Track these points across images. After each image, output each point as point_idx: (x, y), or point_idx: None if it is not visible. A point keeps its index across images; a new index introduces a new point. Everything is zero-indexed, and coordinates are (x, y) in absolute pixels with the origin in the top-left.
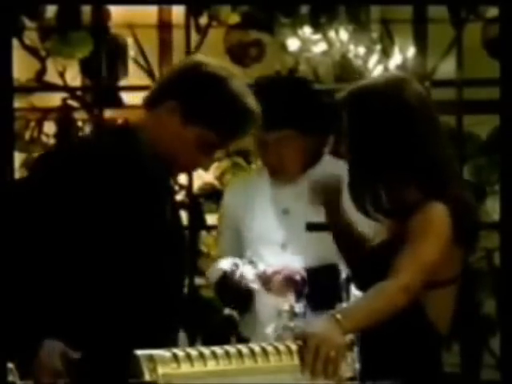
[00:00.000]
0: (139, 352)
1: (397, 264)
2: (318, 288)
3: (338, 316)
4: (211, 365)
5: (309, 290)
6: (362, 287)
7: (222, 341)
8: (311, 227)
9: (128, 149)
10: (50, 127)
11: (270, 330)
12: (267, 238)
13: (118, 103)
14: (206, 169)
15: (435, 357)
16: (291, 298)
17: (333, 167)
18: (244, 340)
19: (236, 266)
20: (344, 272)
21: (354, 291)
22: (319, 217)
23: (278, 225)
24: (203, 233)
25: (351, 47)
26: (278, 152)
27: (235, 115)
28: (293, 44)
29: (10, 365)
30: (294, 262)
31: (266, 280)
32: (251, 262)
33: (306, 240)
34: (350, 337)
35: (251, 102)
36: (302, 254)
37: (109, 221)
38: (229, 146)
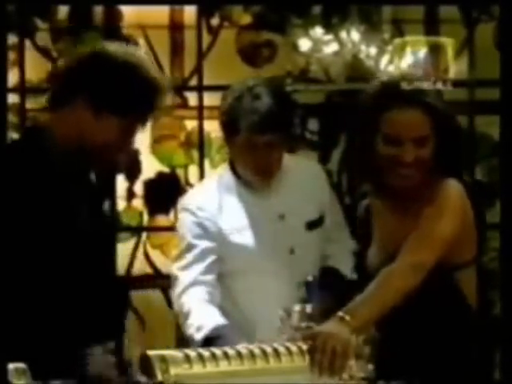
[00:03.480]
0: (151, 352)
1: (408, 242)
2: (326, 290)
3: (345, 316)
4: (223, 365)
5: (318, 292)
6: None
7: None
8: (311, 226)
9: (33, 149)
10: None
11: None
12: (272, 247)
13: None
14: (130, 151)
15: (473, 342)
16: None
17: (297, 162)
18: None
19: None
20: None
21: None
22: (314, 214)
23: (279, 231)
24: None
25: (363, 47)
26: (268, 155)
27: (143, 94)
28: (304, 44)
29: (24, 365)
30: (304, 265)
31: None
32: None
33: (309, 240)
34: (362, 336)
35: (155, 75)
36: (309, 255)
37: (19, 223)
38: (145, 124)
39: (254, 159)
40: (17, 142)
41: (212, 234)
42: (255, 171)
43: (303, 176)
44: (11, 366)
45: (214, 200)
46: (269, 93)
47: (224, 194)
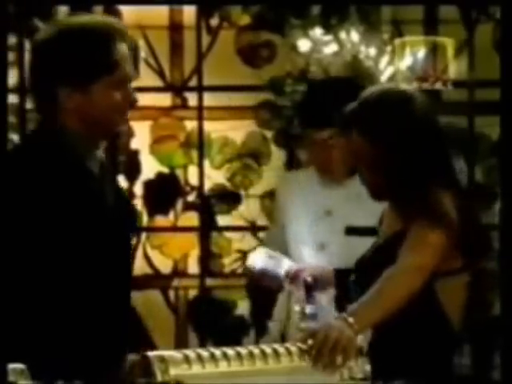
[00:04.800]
0: (151, 353)
1: (408, 246)
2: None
3: (348, 318)
4: (222, 366)
5: (340, 292)
6: (369, 285)
7: (234, 342)
8: (351, 231)
9: (61, 154)
10: None
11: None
12: (306, 237)
13: None
14: (134, 101)
15: (448, 352)
16: (302, 297)
17: None
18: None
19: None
20: None
21: None
22: (362, 221)
23: (319, 225)
24: (214, 234)
25: (362, 48)
26: (327, 151)
27: (106, 43)
28: (304, 45)
29: (22, 366)
30: (329, 264)
31: (292, 277)
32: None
33: (345, 243)
34: (362, 337)
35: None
36: (340, 256)
37: (49, 220)
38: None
39: (313, 155)
40: (36, 153)
41: (277, 213)
42: (316, 167)
43: None
44: (9, 366)
45: (287, 181)
46: (329, 90)
47: (298, 178)
